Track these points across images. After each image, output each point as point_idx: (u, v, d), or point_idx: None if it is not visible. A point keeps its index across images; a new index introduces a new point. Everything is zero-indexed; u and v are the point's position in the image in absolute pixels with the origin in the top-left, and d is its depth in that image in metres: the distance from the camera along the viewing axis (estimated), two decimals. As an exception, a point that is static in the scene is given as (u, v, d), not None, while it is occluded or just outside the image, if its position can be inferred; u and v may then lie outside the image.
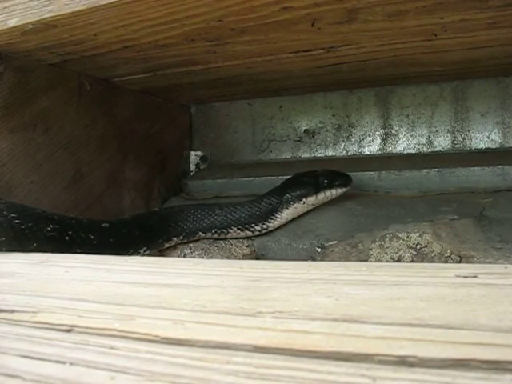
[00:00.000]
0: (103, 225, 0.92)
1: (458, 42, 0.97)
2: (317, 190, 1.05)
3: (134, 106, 1.28)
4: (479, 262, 0.84)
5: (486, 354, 0.26)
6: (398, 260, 0.88)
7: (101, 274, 0.55)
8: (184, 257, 1.05)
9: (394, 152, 1.34)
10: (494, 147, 1.28)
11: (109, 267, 0.58)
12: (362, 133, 1.37)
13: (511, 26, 0.89)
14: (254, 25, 0.86)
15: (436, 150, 1.32)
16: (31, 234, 0.77)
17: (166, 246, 1.05)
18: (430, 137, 1.32)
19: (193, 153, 1.49)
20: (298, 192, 1.06)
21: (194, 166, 1.49)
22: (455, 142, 1.30)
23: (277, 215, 1.06)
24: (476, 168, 1.16)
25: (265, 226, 1.06)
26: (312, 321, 0.32)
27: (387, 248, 0.89)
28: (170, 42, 0.93)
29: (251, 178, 1.31)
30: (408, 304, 0.35)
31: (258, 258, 1.05)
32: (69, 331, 0.36)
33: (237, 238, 1.09)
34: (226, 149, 1.50)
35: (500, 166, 1.15)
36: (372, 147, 1.36)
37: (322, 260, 0.96)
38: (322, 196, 1.05)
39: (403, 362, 0.26)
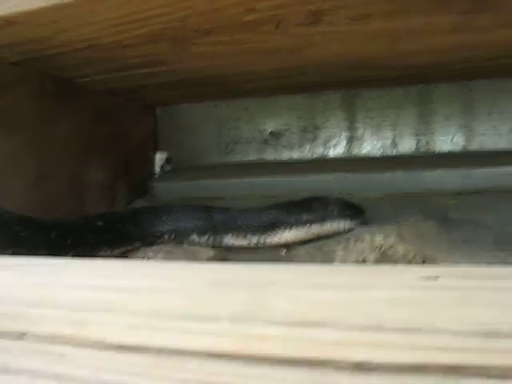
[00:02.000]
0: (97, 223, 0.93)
1: (421, 46, 0.98)
2: (323, 219, 0.98)
3: (98, 106, 1.26)
4: (443, 264, 0.85)
5: (444, 359, 0.25)
6: (363, 262, 0.88)
7: (59, 277, 0.53)
8: (148, 259, 1.04)
9: (359, 154, 1.35)
10: (457, 150, 1.30)
11: (68, 270, 0.57)
12: (328, 135, 1.37)
13: (474, 31, 0.90)
14: (218, 26, 0.85)
15: (400, 152, 1.33)
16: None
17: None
18: (394, 139, 1.33)
19: (158, 154, 1.48)
20: (304, 216, 0.99)
21: (158, 168, 1.47)
22: (419, 145, 1.31)
23: (276, 233, 1.01)
24: (440, 171, 1.17)
25: (261, 241, 1.02)
26: (270, 325, 0.32)
27: (351, 250, 0.89)
28: (134, 42, 0.92)
29: (216, 181, 1.30)
30: (368, 307, 0.35)
31: (222, 261, 1.03)
32: (20, 338, 0.35)
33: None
34: (191, 150, 1.49)
35: (463, 169, 1.16)
36: (337, 150, 1.36)
37: (286, 263, 0.95)
38: (328, 227, 0.98)
39: (360, 367, 0.25)
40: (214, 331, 0.32)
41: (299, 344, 0.28)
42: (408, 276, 0.44)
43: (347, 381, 0.24)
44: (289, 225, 0.99)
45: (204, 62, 1.05)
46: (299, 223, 0.99)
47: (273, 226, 1.00)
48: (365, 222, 0.99)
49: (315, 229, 0.98)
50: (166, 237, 1.04)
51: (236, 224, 1.03)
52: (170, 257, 1.03)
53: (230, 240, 1.03)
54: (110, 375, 0.27)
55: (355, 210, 1.00)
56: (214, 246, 1.04)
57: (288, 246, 1.01)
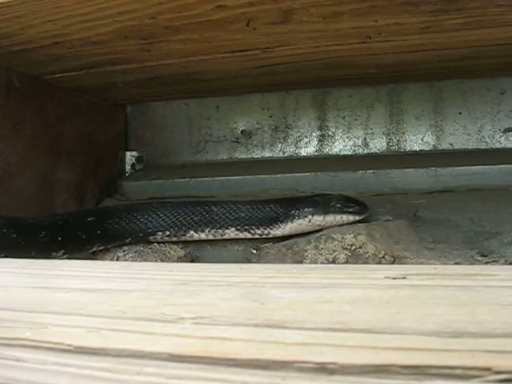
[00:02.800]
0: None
1: (392, 46, 0.98)
2: (326, 212, 0.99)
3: (67, 104, 1.24)
4: (412, 263, 0.85)
5: (407, 359, 0.25)
6: (333, 261, 0.88)
7: (23, 278, 0.52)
8: (117, 259, 1.03)
9: (331, 153, 1.35)
10: (427, 149, 1.31)
11: (32, 271, 0.56)
12: (299, 134, 1.37)
13: (443, 31, 0.91)
14: (188, 23, 0.84)
15: (371, 151, 1.33)
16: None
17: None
18: (365, 138, 1.33)
19: (128, 153, 1.46)
20: (306, 209, 0.99)
21: (129, 167, 1.45)
22: (390, 144, 1.32)
23: (279, 225, 1.01)
24: (410, 170, 1.18)
25: (266, 232, 1.01)
26: (233, 327, 0.31)
27: (322, 249, 0.89)
28: (103, 39, 0.91)
29: (187, 179, 1.29)
30: (334, 307, 0.34)
31: (193, 261, 1.03)
32: (-23, 342, 0.34)
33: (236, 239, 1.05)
34: (162, 149, 1.47)
35: (433, 168, 1.17)
36: (308, 148, 1.36)
37: (257, 262, 0.95)
38: (331, 219, 0.98)
39: (323, 368, 0.25)
40: (176, 333, 0.31)
41: (262, 346, 0.28)
42: (377, 275, 0.44)
43: (310, 382, 0.24)
44: (292, 218, 1.00)
45: (174, 59, 1.04)
46: (301, 216, 0.99)
47: (276, 220, 1.01)
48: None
49: (317, 220, 0.99)
50: (160, 233, 1.03)
51: (239, 217, 1.02)
52: (139, 256, 1.02)
53: (232, 233, 1.03)
54: (66, 379, 0.26)
55: (360, 207, 1.00)
56: (215, 240, 1.04)
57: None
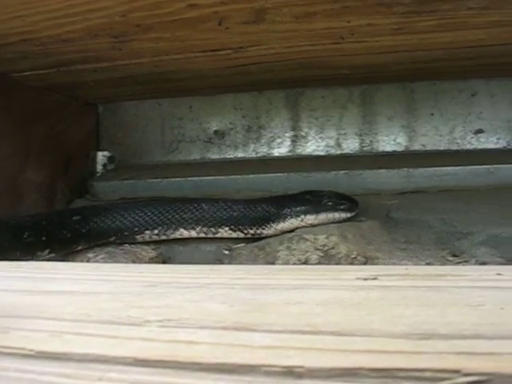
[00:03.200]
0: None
1: (364, 46, 0.98)
2: (318, 210, 0.98)
3: (36, 103, 1.22)
4: (384, 263, 0.85)
5: (376, 362, 0.25)
6: (306, 262, 0.87)
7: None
8: (87, 261, 1.01)
9: (303, 154, 1.35)
10: (400, 150, 1.32)
11: (-3, 274, 0.54)
12: (272, 134, 1.37)
13: (415, 33, 0.91)
14: (160, 21, 0.83)
15: (344, 152, 1.33)
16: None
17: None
18: (338, 139, 1.33)
19: (100, 153, 1.44)
20: (298, 208, 0.99)
21: (100, 167, 1.44)
22: (363, 145, 1.33)
23: (271, 225, 1.00)
24: (382, 170, 1.19)
25: (258, 232, 1.00)
26: (200, 329, 0.31)
27: (294, 250, 0.89)
28: (73, 37, 0.89)
29: (159, 180, 1.28)
30: (304, 309, 0.34)
31: (164, 262, 1.02)
32: None
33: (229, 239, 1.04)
34: (134, 149, 1.46)
35: (405, 169, 1.18)
36: (281, 149, 1.36)
37: (229, 263, 0.94)
38: (323, 217, 0.98)
39: (290, 372, 0.24)
40: (142, 336, 0.30)
41: (229, 349, 0.27)
42: (348, 276, 0.44)
43: (277, 387, 0.24)
44: (284, 218, 0.99)
45: (146, 58, 1.03)
46: (293, 216, 0.99)
47: (268, 219, 1.00)
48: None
49: (309, 219, 0.98)
50: (149, 232, 1.02)
51: (232, 216, 1.01)
52: (110, 258, 1.01)
53: (225, 233, 1.02)
54: (25, 386, 0.26)
55: (351, 203, 1.00)
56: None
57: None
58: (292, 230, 0.98)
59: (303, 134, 1.35)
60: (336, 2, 0.78)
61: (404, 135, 1.31)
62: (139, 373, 0.26)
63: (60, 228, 0.95)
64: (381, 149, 1.32)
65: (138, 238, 1.02)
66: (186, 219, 1.02)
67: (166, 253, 1.03)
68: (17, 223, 0.91)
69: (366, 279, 0.42)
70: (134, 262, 0.99)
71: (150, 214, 1.02)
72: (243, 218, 1.01)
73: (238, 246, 0.99)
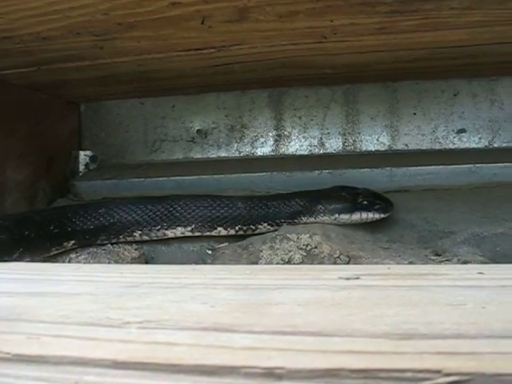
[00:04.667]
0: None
1: (347, 46, 0.98)
2: (353, 210, 0.96)
3: (18, 102, 1.21)
4: (367, 262, 0.85)
5: (357, 363, 0.24)
6: (289, 261, 0.87)
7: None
8: (69, 261, 1.00)
9: (287, 153, 1.35)
10: (382, 149, 1.32)
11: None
12: (255, 134, 1.36)
13: (398, 32, 0.92)
14: (142, 20, 0.83)
15: (328, 151, 1.34)
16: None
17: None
18: (321, 139, 1.34)
19: (82, 152, 1.43)
20: (333, 206, 0.97)
21: (83, 167, 1.42)
22: (346, 144, 1.33)
23: (302, 220, 0.99)
24: (366, 169, 1.20)
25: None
26: (180, 331, 0.30)
27: (278, 249, 0.88)
28: (54, 35, 0.88)
29: (142, 179, 1.27)
30: (285, 309, 0.34)
31: (147, 262, 1.01)
32: None
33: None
34: (116, 149, 1.45)
35: (388, 168, 1.19)
36: (265, 148, 1.36)
37: (212, 262, 0.94)
38: (357, 217, 0.96)
39: (271, 374, 0.24)
40: (120, 338, 0.30)
41: (208, 351, 0.27)
42: (330, 275, 0.44)
43: (256, 389, 0.23)
44: (316, 215, 0.98)
45: (128, 57, 1.02)
46: (327, 214, 0.98)
47: (299, 214, 0.99)
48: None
49: (343, 218, 0.97)
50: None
51: (268, 213, 1.00)
52: (93, 258, 1.00)
53: (263, 228, 1.00)
54: (0, 390, 0.25)
55: (386, 203, 0.98)
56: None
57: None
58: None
59: (286, 133, 1.35)
60: (319, 1, 0.78)
61: (387, 134, 1.32)
62: (117, 375, 0.26)
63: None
64: (364, 148, 1.33)
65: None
66: (225, 216, 1.00)
67: (149, 253, 1.03)
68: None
69: (348, 279, 0.42)
70: (116, 262, 0.98)
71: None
72: (279, 212, 1.00)
73: (221, 245, 0.98)
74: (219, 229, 0.99)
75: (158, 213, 1.00)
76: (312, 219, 0.98)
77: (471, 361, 0.24)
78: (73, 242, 0.98)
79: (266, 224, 1.00)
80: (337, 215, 0.96)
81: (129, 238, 1.01)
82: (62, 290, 0.44)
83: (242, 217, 0.99)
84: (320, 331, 0.29)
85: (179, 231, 1.00)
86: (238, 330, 0.30)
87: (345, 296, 0.37)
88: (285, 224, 0.99)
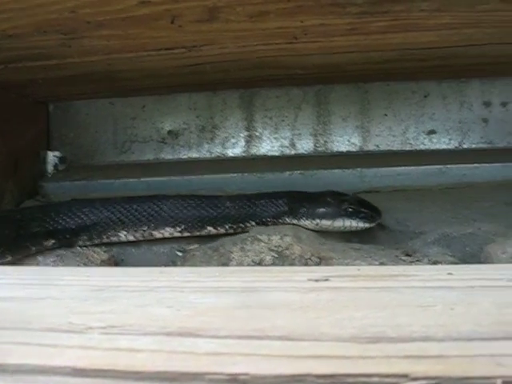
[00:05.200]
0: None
1: (318, 46, 0.98)
2: (336, 216, 0.93)
3: (-16, 101, 1.18)
4: (338, 263, 0.85)
5: (323, 368, 0.24)
6: (260, 263, 0.87)
7: None
8: (37, 264, 0.98)
9: (258, 154, 1.35)
10: (354, 150, 1.33)
11: None
12: (226, 135, 1.36)
13: (368, 33, 0.92)
14: (111, 19, 0.82)
15: (299, 152, 1.34)
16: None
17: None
18: (293, 139, 1.33)
19: (50, 153, 1.40)
20: (316, 210, 0.94)
21: (51, 167, 1.40)
22: (317, 145, 1.33)
23: (286, 220, 0.96)
24: (337, 170, 1.20)
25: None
26: (143, 336, 0.29)
27: (248, 251, 0.88)
28: (20, 33, 0.86)
29: (111, 181, 1.26)
30: (252, 313, 0.33)
31: (117, 264, 1.00)
32: None
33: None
34: (86, 149, 1.43)
35: (359, 169, 1.19)
36: (236, 149, 1.36)
37: (182, 264, 0.93)
38: (340, 224, 0.92)
39: (235, 380, 0.24)
40: (82, 345, 0.29)
41: (171, 357, 0.26)
42: (298, 278, 0.43)
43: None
44: (298, 218, 0.95)
45: (97, 56, 1.00)
46: (309, 217, 0.94)
47: (282, 214, 0.97)
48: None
49: (325, 224, 0.93)
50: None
51: (256, 211, 0.98)
52: (61, 261, 0.98)
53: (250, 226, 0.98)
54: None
55: (372, 212, 0.94)
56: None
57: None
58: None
59: (257, 134, 1.35)
60: (289, 2, 0.78)
61: (358, 135, 1.32)
62: (77, 383, 0.25)
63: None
64: (335, 149, 1.33)
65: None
66: (214, 216, 0.98)
67: (119, 255, 1.01)
68: None
69: (317, 280, 0.42)
70: (85, 264, 0.97)
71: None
72: (265, 211, 0.97)
73: (192, 247, 0.97)
74: (209, 228, 0.97)
75: (145, 213, 0.97)
76: (295, 221, 0.96)
77: (439, 364, 0.24)
78: (53, 241, 0.96)
79: (253, 223, 0.98)
80: (318, 220, 0.93)
81: (113, 239, 0.99)
82: (25, 295, 0.43)
83: (232, 216, 0.97)
84: (287, 335, 0.28)
85: (167, 232, 0.98)
86: (203, 335, 0.29)
87: (313, 298, 0.37)
88: (271, 223, 0.98)
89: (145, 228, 0.97)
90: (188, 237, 0.99)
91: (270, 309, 0.34)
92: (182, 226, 0.97)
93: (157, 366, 0.25)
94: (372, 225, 0.93)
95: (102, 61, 1.03)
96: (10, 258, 0.90)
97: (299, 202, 0.96)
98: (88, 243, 0.99)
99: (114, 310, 0.36)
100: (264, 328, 0.29)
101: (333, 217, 0.93)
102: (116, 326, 0.31)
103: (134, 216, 0.97)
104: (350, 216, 0.92)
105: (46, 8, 0.76)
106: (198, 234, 0.98)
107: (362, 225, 0.93)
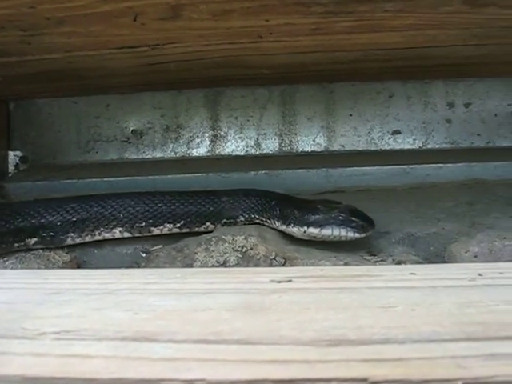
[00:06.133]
0: None
1: (283, 46, 0.98)
2: (323, 224, 0.87)
3: None
4: (303, 264, 0.85)
5: (281, 373, 0.23)
6: (224, 263, 0.86)
7: None
8: (-4, 266, 0.96)
9: (223, 154, 1.34)
10: (319, 150, 1.33)
11: None
12: (191, 134, 1.35)
13: (333, 33, 0.92)
14: (72, 15, 0.80)
15: (264, 152, 1.33)
16: None
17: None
18: (258, 139, 1.33)
19: (11, 153, 1.38)
20: (304, 217, 0.88)
21: (12, 167, 1.37)
22: (283, 145, 1.33)
23: (276, 224, 0.93)
24: (302, 170, 1.20)
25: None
26: (98, 341, 0.28)
27: (213, 251, 0.87)
28: (-24, 29, 0.84)
29: (74, 180, 1.24)
30: (211, 316, 0.32)
31: (79, 266, 0.98)
32: None
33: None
34: (48, 149, 1.40)
35: (324, 169, 1.20)
36: (200, 149, 1.34)
37: (146, 265, 0.92)
38: (328, 232, 0.86)
39: (191, 386, 0.23)
40: (33, 351, 0.28)
41: (126, 363, 0.25)
42: (261, 279, 0.43)
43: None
44: (287, 223, 0.91)
45: (58, 54, 0.98)
46: (296, 224, 0.89)
47: (273, 218, 0.94)
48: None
49: (313, 232, 0.88)
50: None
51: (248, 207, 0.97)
52: (21, 263, 0.96)
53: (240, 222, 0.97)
54: None
55: (364, 222, 0.88)
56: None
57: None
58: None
59: (223, 133, 1.34)
60: (253, 0, 0.78)
61: (323, 135, 1.32)
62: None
63: None
64: (300, 149, 1.33)
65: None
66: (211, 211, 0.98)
67: (81, 256, 0.99)
68: None
69: (280, 282, 0.41)
70: (46, 266, 0.95)
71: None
72: (263, 210, 0.96)
73: (156, 247, 0.96)
74: (207, 224, 0.97)
75: (139, 208, 0.96)
76: (283, 227, 0.92)
77: (398, 367, 0.24)
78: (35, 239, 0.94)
79: (243, 219, 0.97)
80: (306, 227, 0.88)
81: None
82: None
83: (226, 211, 0.97)
84: (245, 339, 0.27)
85: (166, 228, 0.97)
86: (160, 339, 0.28)
87: (275, 300, 0.36)
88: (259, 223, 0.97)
89: (142, 224, 0.97)
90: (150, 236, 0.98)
91: (231, 311, 0.33)
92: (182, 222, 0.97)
93: (110, 373, 0.24)
94: (363, 235, 0.87)
95: (63, 58, 1.01)
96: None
97: (289, 208, 0.92)
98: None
99: (69, 314, 0.35)
100: (222, 331, 0.29)
101: (320, 225, 0.87)
102: (70, 331, 0.30)
103: (129, 212, 0.96)
104: (340, 224, 0.87)
105: (3, 3, 0.75)
106: (196, 229, 0.98)
107: (351, 235, 0.87)
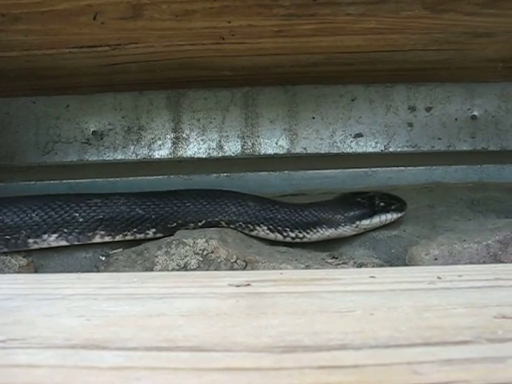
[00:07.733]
0: None
1: (246, 48, 0.98)
2: (372, 214, 0.94)
3: None
4: (264, 267, 0.85)
5: (232, 382, 0.23)
6: (185, 267, 0.85)
7: None
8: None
9: (185, 156, 1.32)
10: (281, 153, 1.32)
11: None
12: (153, 136, 1.33)
13: (295, 36, 0.92)
14: (28, 12, 0.79)
15: (226, 154, 1.32)
16: None
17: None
18: (220, 141, 1.32)
19: (-33, 154, 1.35)
20: (352, 213, 0.93)
21: (-32, 169, 1.34)
22: (245, 148, 1.32)
23: (319, 230, 0.94)
24: (264, 173, 1.20)
25: (301, 235, 0.94)
26: (45, 350, 0.27)
27: (173, 255, 0.86)
28: None
29: (32, 182, 1.21)
30: (166, 321, 0.32)
31: (36, 270, 0.96)
32: None
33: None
34: (5, 150, 1.36)
35: (286, 171, 1.20)
36: (162, 151, 1.33)
37: (105, 269, 0.90)
38: (376, 220, 0.93)
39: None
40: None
41: (72, 372, 0.24)
42: (219, 283, 0.42)
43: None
44: (337, 225, 0.94)
45: (15, 52, 0.96)
46: (348, 223, 0.93)
47: (315, 224, 0.94)
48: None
49: (364, 224, 0.94)
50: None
51: (272, 217, 0.95)
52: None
53: (263, 232, 0.96)
54: None
55: (401, 202, 0.97)
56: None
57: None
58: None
59: (185, 135, 1.32)
60: (216, 1, 0.78)
61: (286, 138, 1.32)
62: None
63: None
64: (263, 151, 1.32)
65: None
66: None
67: (38, 260, 0.97)
68: None
69: (238, 286, 0.41)
70: (2, 271, 0.93)
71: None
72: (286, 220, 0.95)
73: (115, 251, 0.94)
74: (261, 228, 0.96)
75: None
76: (332, 230, 0.94)
77: (353, 374, 0.23)
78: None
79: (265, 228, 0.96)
80: (358, 222, 0.93)
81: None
82: None
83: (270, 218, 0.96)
84: (198, 346, 0.27)
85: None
86: (110, 347, 0.27)
87: (232, 305, 0.35)
88: (292, 234, 0.96)
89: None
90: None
91: (185, 316, 0.32)
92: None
93: (55, 384, 0.23)
94: (403, 213, 0.97)
95: (20, 57, 0.99)
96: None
97: (333, 210, 0.95)
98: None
99: (18, 321, 0.33)
100: (176, 338, 0.28)
101: (370, 215, 0.94)
102: (17, 339, 0.29)
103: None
104: (385, 210, 0.95)
105: (-48, -2, 0.73)
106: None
107: (396, 216, 0.95)
